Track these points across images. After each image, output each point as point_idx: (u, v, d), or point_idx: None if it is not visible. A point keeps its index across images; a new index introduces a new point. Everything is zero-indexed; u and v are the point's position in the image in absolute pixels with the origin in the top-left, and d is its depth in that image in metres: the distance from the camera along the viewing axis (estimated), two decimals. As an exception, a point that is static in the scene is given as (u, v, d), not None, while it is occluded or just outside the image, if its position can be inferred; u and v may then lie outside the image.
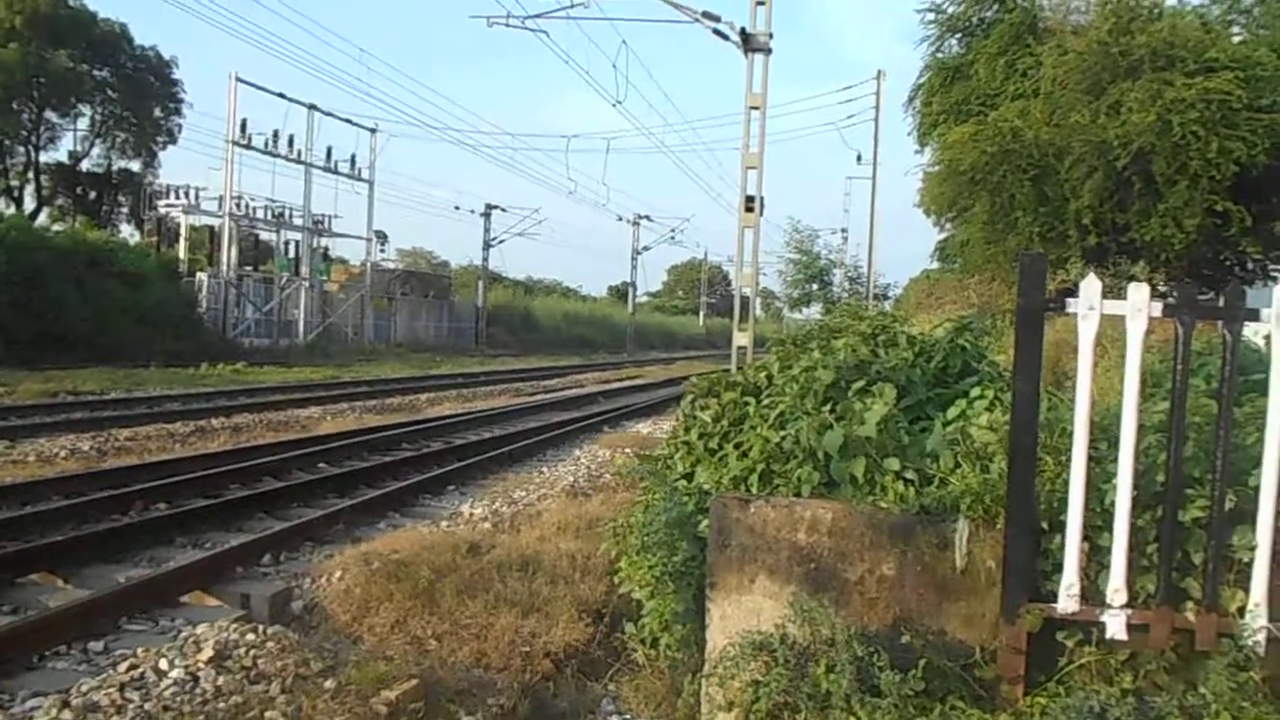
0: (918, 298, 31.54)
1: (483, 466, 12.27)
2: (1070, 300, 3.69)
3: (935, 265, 31.25)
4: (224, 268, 36.63)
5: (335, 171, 41.90)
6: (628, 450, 13.06)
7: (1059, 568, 3.72)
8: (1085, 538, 3.69)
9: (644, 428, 17.23)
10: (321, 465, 11.89)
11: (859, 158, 33.92)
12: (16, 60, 40.70)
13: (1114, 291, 3.70)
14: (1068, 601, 3.68)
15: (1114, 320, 3.70)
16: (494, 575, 6.58)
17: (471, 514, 8.90)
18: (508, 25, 17.11)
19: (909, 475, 4.30)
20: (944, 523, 4.02)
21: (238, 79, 35.60)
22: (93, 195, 49.12)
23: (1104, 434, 3.89)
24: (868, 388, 4.83)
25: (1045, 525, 3.83)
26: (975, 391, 4.88)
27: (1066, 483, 3.72)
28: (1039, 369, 3.77)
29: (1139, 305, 3.61)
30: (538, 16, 16.74)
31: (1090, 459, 3.67)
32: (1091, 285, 3.65)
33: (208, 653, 4.84)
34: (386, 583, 6.32)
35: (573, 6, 16.32)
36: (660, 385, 30.49)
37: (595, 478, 10.90)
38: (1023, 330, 3.74)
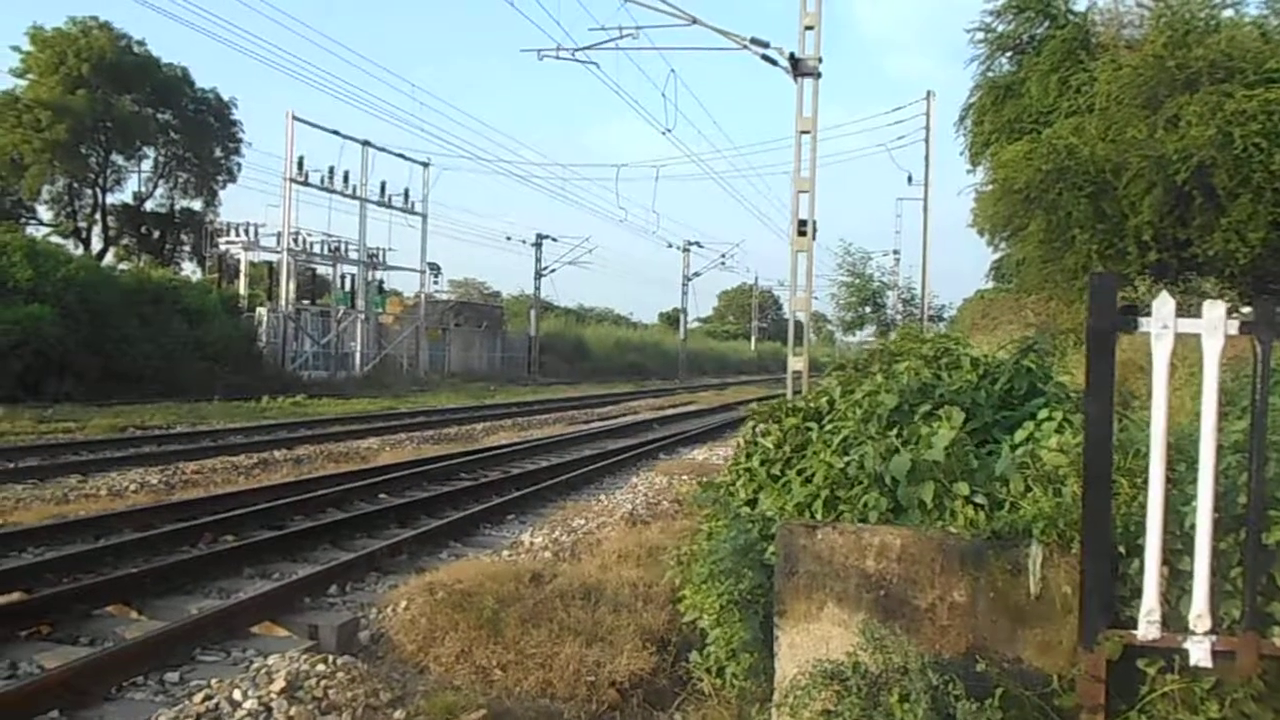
0: (973, 318, 31.15)
1: (541, 495, 12.33)
2: (1143, 319, 3.62)
3: (990, 285, 30.86)
4: (282, 302, 37.36)
5: (389, 205, 42.61)
6: (684, 477, 13.04)
7: (1138, 593, 3.64)
8: (1165, 562, 3.61)
9: (700, 454, 17.19)
10: (382, 496, 12.03)
11: (910, 178, 33.77)
12: (85, 106, 42.11)
13: (1185, 309, 3.63)
14: (1148, 628, 3.59)
15: (1180, 338, 3.63)
16: (557, 604, 6.60)
17: (532, 543, 8.94)
18: (558, 58, 17.31)
19: (979, 500, 4.23)
20: (1016, 548, 3.95)
21: (294, 118, 36.44)
22: (156, 234, 50.47)
23: (1180, 455, 3.81)
24: (933, 411, 4.78)
25: (1122, 550, 3.74)
26: (1043, 414, 4.81)
27: (1143, 506, 3.64)
28: (1111, 390, 3.70)
29: (1215, 323, 3.54)
30: (588, 48, 16.95)
31: (1168, 481, 3.59)
32: (1165, 304, 3.59)
33: (279, 684, 4.91)
34: (451, 612, 6.36)
35: (622, 37, 16.48)
36: (714, 411, 30.43)
37: (653, 505, 10.88)
38: (1093, 351, 3.68)
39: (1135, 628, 3.62)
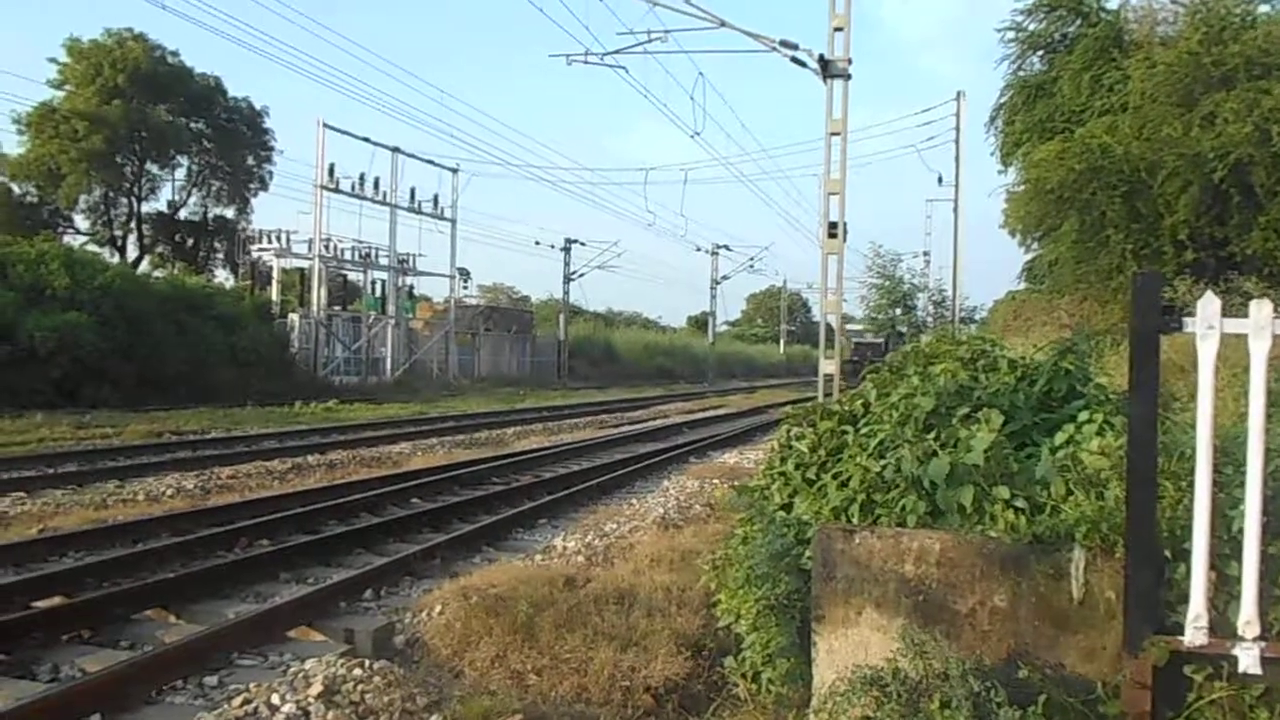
0: (1005, 319, 30.86)
1: (573, 499, 12.34)
2: (1187, 320, 3.57)
3: (1022, 286, 30.58)
4: (314, 308, 37.68)
5: (419, 211, 42.88)
6: (716, 481, 13.00)
7: (1184, 598, 3.57)
8: (1212, 567, 3.54)
9: (730, 458, 17.15)
10: (415, 500, 12.07)
11: (940, 179, 33.51)
12: (120, 116, 42.76)
13: (1227, 310, 3.57)
14: (1195, 634, 3.53)
15: (1224, 339, 3.56)
16: (591, 609, 6.59)
17: (565, 547, 8.94)
18: (586, 63, 17.34)
19: (1019, 503, 4.18)
20: (1058, 552, 3.89)
21: (325, 125, 36.77)
22: (190, 242, 51.14)
23: (1226, 458, 3.74)
24: (971, 414, 4.73)
25: (1168, 554, 3.68)
26: (1083, 416, 4.74)
27: (1188, 509, 3.58)
28: (1155, 391, 3.65)
29: (1262, 323, 3.47)
30: (616, 53, 16.97)
31: (1214, 484, 3.53)
32: (1210, 304, 3.53)
33: (317, 688, 4.93)
34: (485, 617, 6.37)
35: (650, 41, 16.49)
36: (744, 414, 30.33)
37: (685, 509, 10.86)
38: (1137, 352, 3.63)
39: (1182, 633, 3.56)
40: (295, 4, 49.47)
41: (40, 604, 6.86)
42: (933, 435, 4.62)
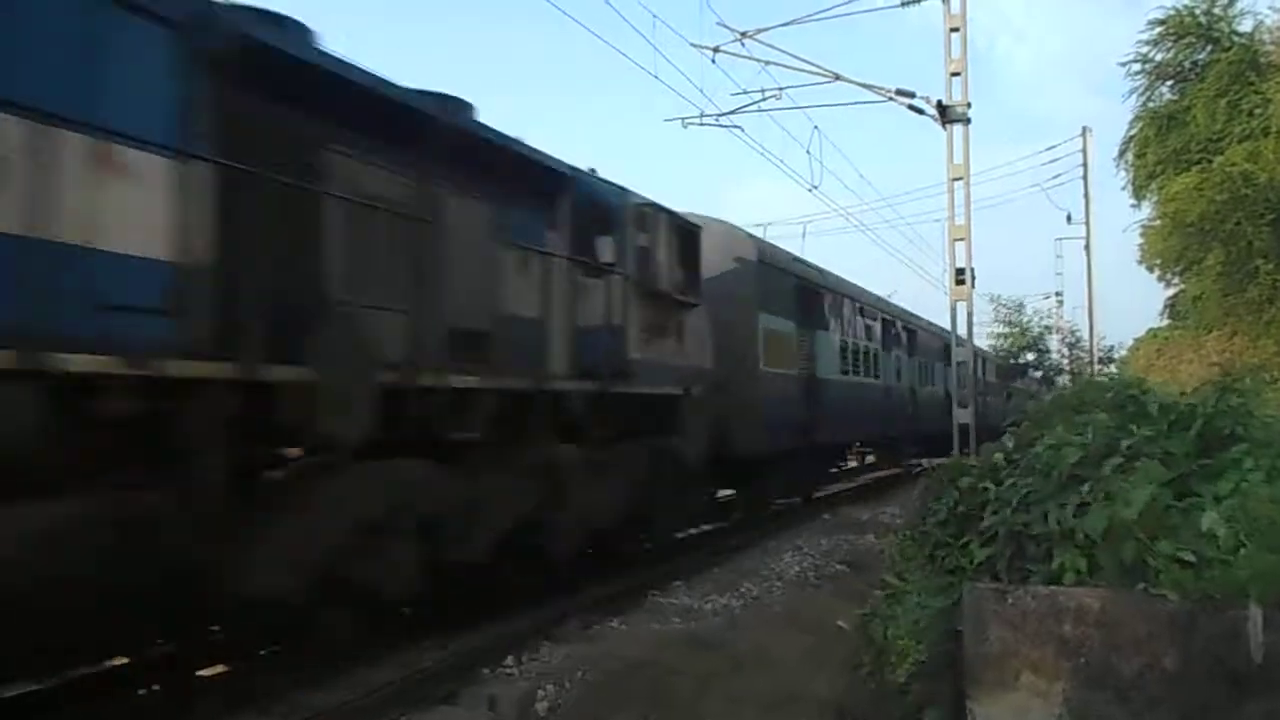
0: (1147, 359, 29.48)
1: (706, 558, 12.22)
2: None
3: (1164, 323, 29.24)
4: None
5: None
6: (850, 537, 12.74)
7: (1380, 659, 3.31)
8: None
9: (864, 513, 16.76)
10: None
11: (1069, 217, 32.42)
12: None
13: None
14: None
15: None
16: (729, 672, 6.51)
17: (700, 608, 8.85)
18: (702, 124, 17.54)
19: (1186, 557, 3.95)
20: (1232, 610, 3.66)
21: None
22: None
23: None
24: (1126, 463, 4.52)
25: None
26: (1248, 461, 4.48)
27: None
28: (1330, 436, 3.42)
29: None
30: (731, 113, 17.09)
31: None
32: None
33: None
34: (625, 682, 6.36)
35: (764, 99, 16.59)
36: (872, 466, 29.60)
37: (821, 568, 10.65)
38: (1307, 395, 3.42)
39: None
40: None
41: (204, 672, 7.15)
42: (1084, 487, 4.44)
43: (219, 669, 7.31)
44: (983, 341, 45.38)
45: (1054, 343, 48.70)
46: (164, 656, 7.19)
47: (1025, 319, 48.20)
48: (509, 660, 7.64)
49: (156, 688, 6.58)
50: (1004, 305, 47.66)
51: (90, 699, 6.20)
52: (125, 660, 7.18)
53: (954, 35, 14.51)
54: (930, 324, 26.96)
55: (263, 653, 7.80)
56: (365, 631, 7.09)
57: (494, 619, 9.15)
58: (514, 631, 8.24)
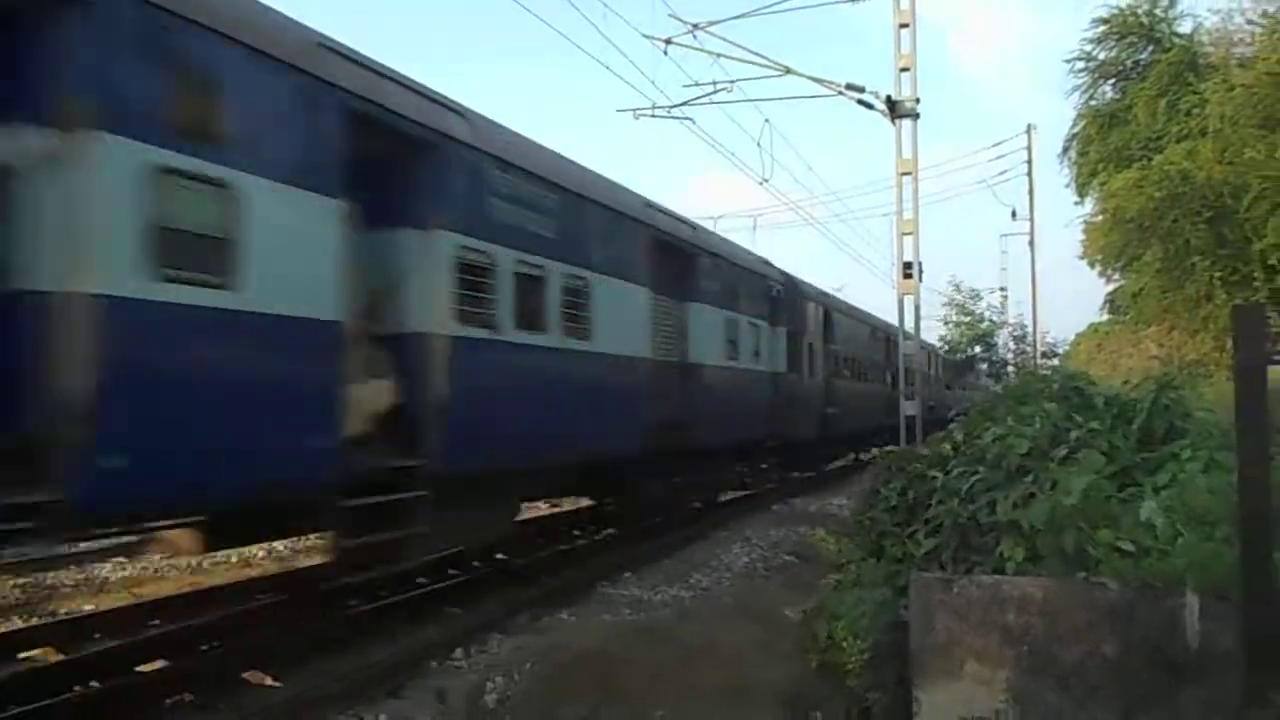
0: (1088, 353, 30.08)
1: (654, 550, 12.23)
2: (1297, 352, 3.44)
3: (1104, 318, 29.82)
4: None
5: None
6: (799, 529, 12.83)
7: (1310, 644, 3.40)
8: (1338, 610, 3.37)
9: (811, 505, 16.90)
10: (499, 556, 12.09)
11: (1014, 214, 32.90)
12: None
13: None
14: (1324, 682, 3.35)
15: None
16: (679, 662, 6.52)
17: (650, 600, 8.87)
18: (653, 116, 17.52)
19: (1125, 546, 4.03)
20: (1170, 599, 3.74)
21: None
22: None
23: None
24: (1069, 456, 4.60)
25: (1289, 598, 3.51)
26: (1186, 453, 4.58)
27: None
28: (1265, 427, 3.51)
29: (1377, 353, 3.34)
30: (683, 105, 17.09)
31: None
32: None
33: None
34: (575, 673, 6.34)
35: (715, 92, 16.60)
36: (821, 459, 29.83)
37: (770, 559, 10.72)
38: (1244, 387, 3.50)
39: (1310, 682, 3.38)
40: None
41: (144, 668, 7.01)
42: (1029, 478, 4.51)
43: (160, 664, 7.18)
44: (935, 330, 45.78)
45: (1002, 336, 49.55)
46: (100, 654, 7.05)
47: (979, 309, 49.04)
48: (458, 653, 7.60)
49: (95, 684, 6.42)
50: (961, 292, 48.40)
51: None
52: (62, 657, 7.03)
53: (903, 31, 14.64)
54: (867, 314, 25.92)
55: (204, 648, 7.68)
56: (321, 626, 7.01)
57: (442, 613, 9.09)
58: (463, 625, 8.19)
